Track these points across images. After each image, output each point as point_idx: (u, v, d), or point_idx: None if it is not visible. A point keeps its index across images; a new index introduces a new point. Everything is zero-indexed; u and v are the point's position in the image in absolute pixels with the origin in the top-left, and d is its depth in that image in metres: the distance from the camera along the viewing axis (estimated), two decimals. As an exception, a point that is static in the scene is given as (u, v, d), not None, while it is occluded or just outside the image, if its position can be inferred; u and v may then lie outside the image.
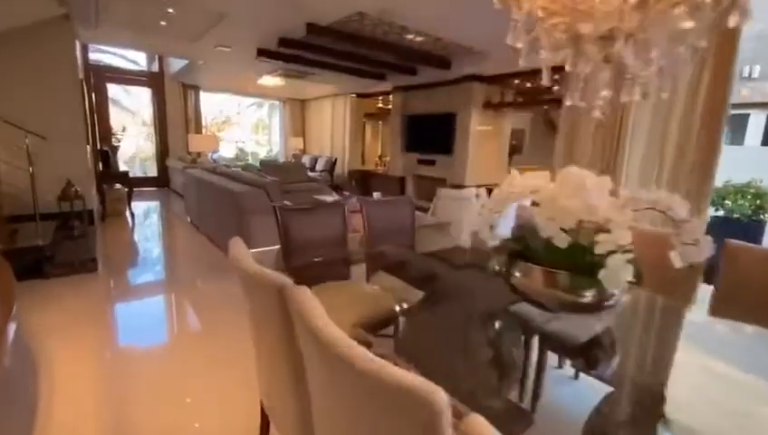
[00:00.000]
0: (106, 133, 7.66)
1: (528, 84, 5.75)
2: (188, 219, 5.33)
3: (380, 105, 8.30)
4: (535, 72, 5.17)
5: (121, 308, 2.79)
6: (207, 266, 3.63)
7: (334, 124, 9.84)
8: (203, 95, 9.18)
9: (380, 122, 8.82)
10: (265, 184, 3.45)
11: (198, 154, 7.06)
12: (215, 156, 9.10)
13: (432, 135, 6.54)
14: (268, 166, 7.49)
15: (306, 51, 5.10)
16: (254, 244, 3.22)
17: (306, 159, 10.16)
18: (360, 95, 8.34)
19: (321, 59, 5.79)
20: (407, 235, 2.39)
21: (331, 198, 6.25)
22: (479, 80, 5.68)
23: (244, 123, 13.01)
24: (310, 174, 8.14)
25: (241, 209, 3.27)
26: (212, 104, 11.18)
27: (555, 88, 5.65)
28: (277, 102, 11.67)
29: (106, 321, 2.54)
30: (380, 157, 9.02)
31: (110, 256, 3.87)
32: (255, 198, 3.36)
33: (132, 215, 5.26)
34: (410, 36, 4.49)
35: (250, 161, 12.64)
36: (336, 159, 9.29)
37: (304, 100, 10.99)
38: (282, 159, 11.47)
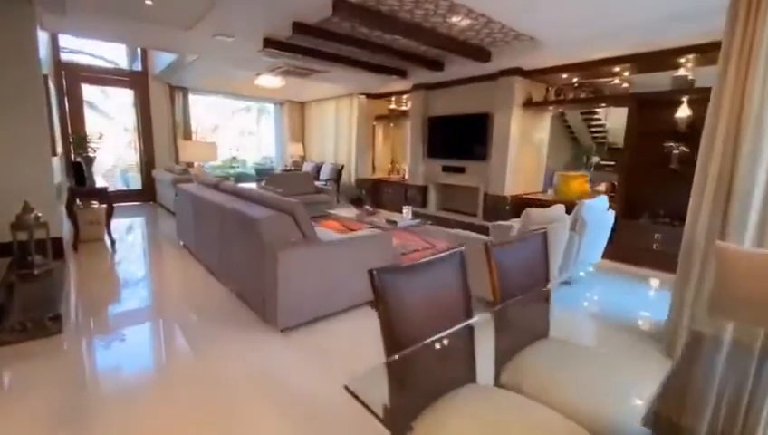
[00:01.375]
0: (81, 141, 6.68)
1: (575, 80, 5.02)
2: (181, 243, 4.42)
3: (393, 106, 7.49)
4: (594, 64, 4.42)
5: (91, 404, 1.88)
6: (219, 318, 2.74)
7: (338, 128, 9.00)
8: (192, 98, 8.24)
9: (392, 125, 8.01)
10: (293, 208, 2.58)
11: (190, 164, 6.11)
12: (206, 165, 8.17)
13: (461, 139, 5.76)
14: (270, 176, 6.62)
15: (322, 39, 4.27)
16: (288, 292, 2.36)
17: (308, 167, 9.28)
18: (370, 96, 7.53)
19: (336, 51, 4.97)
20: (539, 287, 1.57)
21: (346, 212, 5.38)
22: (522, 74, 4.92)
23: (232, 129, 12.09)
24: (316, 184, 7.28)
25: (265, 243, 2.40)
26: (201, 109, 10.23)
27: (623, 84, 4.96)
28: (271, 106, 10.81)
29: (64, 429, 1.64)
30: (392, 163, 8.20)
31: (82, 305, 2.93)
32: (282, 227, 2.50)
33: (113, 241, 4.31)
34: (456, 19, 3.70)
35: (239, 169, 11.70)
36: (342, 167, 8.44)
37: (304, 102, 10.13)
38: (278, 168, 10.57)
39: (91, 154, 4.12)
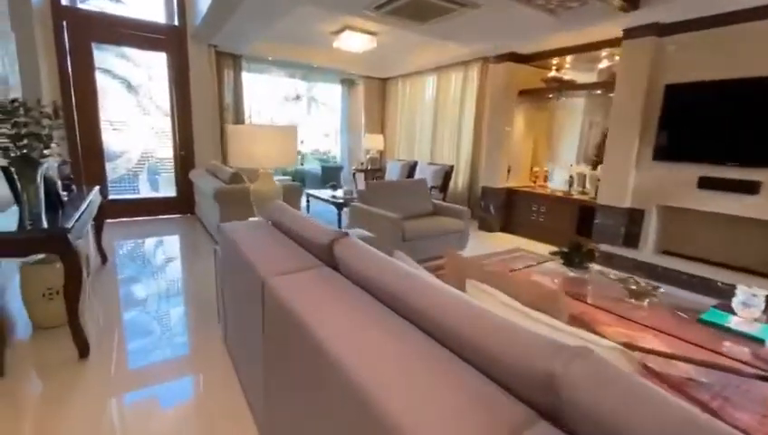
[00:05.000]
0: (91, 125, 4.60)
1: None
2: (225, 346, 2.04)
3: (553, 74, 4.72)
4: None
5: None
6: None
7: (441, 112, 6.39)
8: (244, 76, 5.95)
9: (538, 106, 5.23)
10: None
11: (253, 171, 3.68)
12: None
13: (753, 128, 2.93)
14: (370, 184, 4.10)
15: None
16: None
17: (394, 169, 6.77)
18: (515, 58, 4.78)
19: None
20: None
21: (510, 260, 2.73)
22: None
23: (283, 120, 9.98)
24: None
25: None
26: (252, 92, 8.00)
27: None
28: (335, 88, 8.47)
29: None
30: (532, 167, 5.46)
31: None
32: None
33: (81, 342, 1.96)
34: None
35: (298, 166, 9.47)
36: (452, 168, 5.83)
37: (386, 79, 7.60)
38: (348, 166, 8.19)
39: (33, 153, 1.78)
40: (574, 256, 2.44)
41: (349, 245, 1.26)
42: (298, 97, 10.77)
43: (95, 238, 3.24)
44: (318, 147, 10.57)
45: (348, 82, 7.99)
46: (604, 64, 4.11)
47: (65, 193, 2.59)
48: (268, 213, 1.97)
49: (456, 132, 6.09)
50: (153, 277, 3.18)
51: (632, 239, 3.72)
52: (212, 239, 4.12)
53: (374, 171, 7.43)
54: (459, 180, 6.05)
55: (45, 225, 1.83)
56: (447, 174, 5.73)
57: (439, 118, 6.45)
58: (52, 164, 2.63)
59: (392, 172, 6.76)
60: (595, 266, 2.45)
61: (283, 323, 1.07)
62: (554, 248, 2.56)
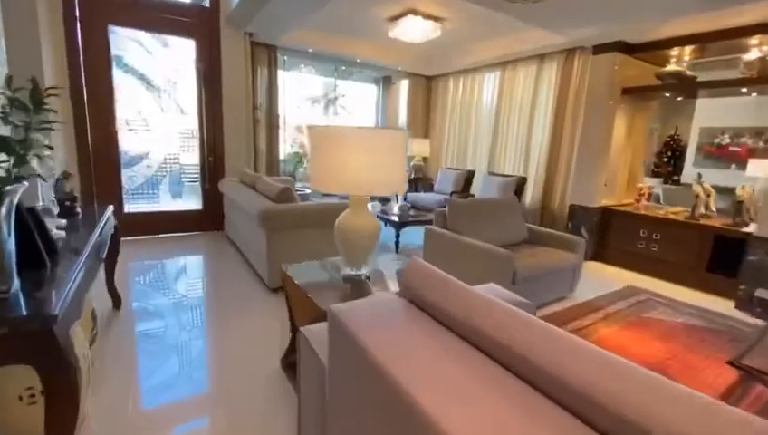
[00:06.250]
0: (106, 125, 3.85)
1: None
2: None
3: (674, 68, 3.79)
4: None
5: None
6: None
7: (504, 114, 5.51)
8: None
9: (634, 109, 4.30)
10: None
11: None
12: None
13: None
14: (454, 203, 3.24)
15: None
16: None
17: (446, 176, 5.91)
18: (622, 48, 3.86)
19: None
20: None
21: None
22: None
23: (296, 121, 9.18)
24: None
25: None
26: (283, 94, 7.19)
27: None
28: (363, 87, 7.70)
29: None
30: (629, 182, 4.52)
31: None
32: None
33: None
34: None
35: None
36: (524, 180, 4.94)
37: (433, 77, 6.76)
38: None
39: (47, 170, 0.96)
40: None
41: None
42: (315, 100, 10.01)
43: (106, 277, 2.43)
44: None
45: (386, 81, 7.17)
46: (755, 55, 3.19)
47: (64, 222, 1.78)
48: (400, 279, 1.12)
49: (524, 138, 5.21)
50: (181, 329, 2.35)
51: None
52: (253, 272, 3.28)
53: (416, 180, 6.60)
54: (528, 195, 5.16)
55: (23, 307, 1.01)
56: (520, 187, 4.84)
57: (501, 121, 5.57)
58: (50, 183, 1.83)
59: (444, 183, 5.90)
60: None
61: None
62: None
